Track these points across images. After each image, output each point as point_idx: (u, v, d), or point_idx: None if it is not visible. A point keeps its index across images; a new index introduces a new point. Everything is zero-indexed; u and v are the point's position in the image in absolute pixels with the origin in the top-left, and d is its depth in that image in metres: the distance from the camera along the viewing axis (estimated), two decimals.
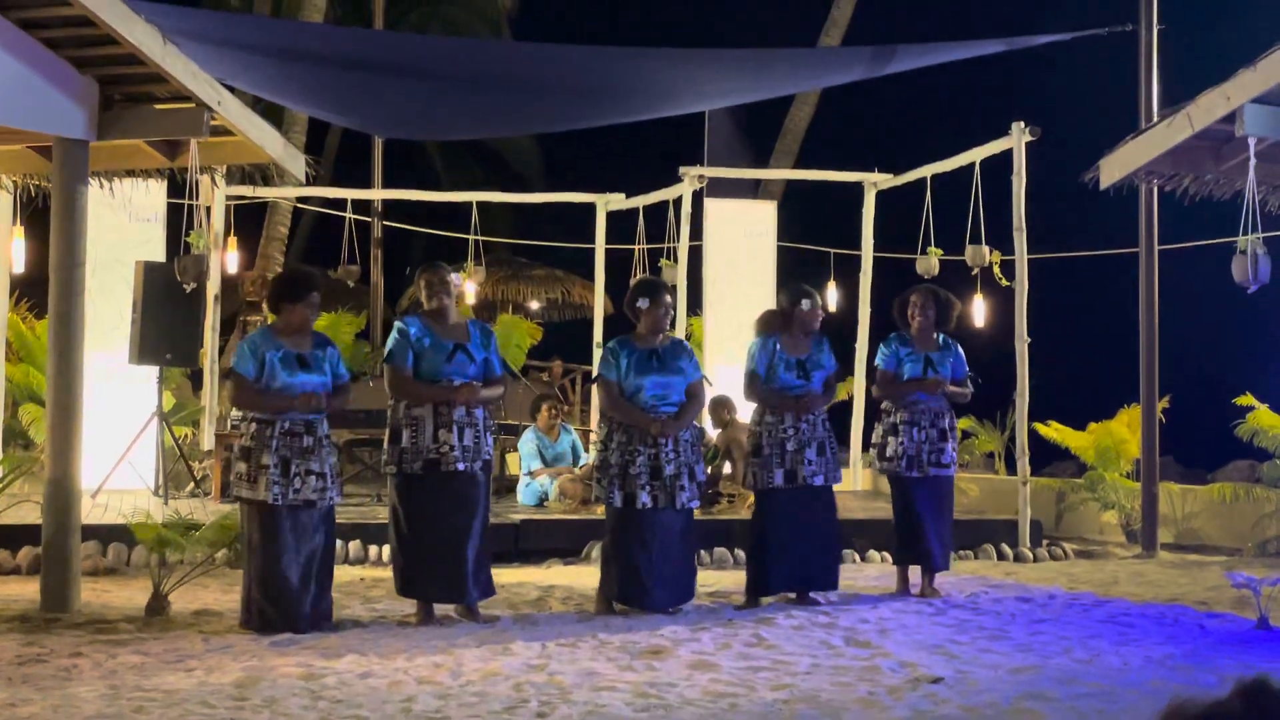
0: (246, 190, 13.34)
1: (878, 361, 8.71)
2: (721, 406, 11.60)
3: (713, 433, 11.79)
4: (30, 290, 13.22)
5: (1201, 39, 15.32)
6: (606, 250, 15.76)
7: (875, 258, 14.38)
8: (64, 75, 7.46)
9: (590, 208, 15.62)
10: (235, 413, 11.91)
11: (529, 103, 12.35)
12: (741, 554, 9.27)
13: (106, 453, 11.12)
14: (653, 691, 5.58)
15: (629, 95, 12.24)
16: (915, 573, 8.58)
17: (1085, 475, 13.12)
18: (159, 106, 7.83)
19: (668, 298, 7.85)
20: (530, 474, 11.61)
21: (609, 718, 5.19)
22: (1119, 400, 13.46)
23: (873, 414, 10.18)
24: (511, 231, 23.10)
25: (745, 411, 9.42)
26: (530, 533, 10.24)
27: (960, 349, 8.73)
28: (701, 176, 13.74)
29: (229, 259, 14.02)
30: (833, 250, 15.82)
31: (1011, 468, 13.66)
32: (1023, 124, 11.36)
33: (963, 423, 15.17)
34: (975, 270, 12.32)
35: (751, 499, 8.35)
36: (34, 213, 10.02)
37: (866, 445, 13.37)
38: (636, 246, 15.34)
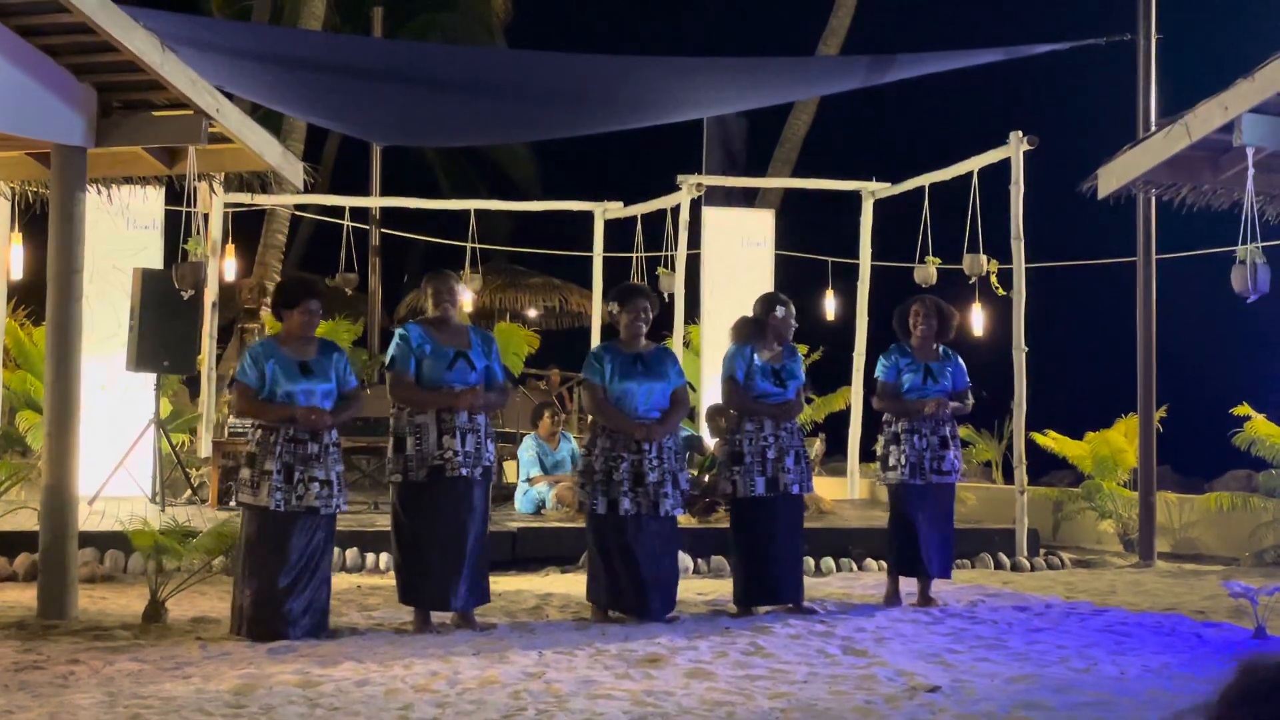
0: (244, 198, 13.34)
1: (878, 374, 8.70)
2: (719, 415, 11.58)
3: (710, 441, 11.79)
4: (28, 297, 13.23)
5: (1199, 49, 15.35)
6: (604, 258, 15.76)
7: (873, 267, 14.39)
8: (62, 82, 7.46)
9: (588, 216, 15.64)
10: (233, 420, 11.94)
11: (527, 110, 12.37)
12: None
13: (104, 460, 11.11)
14: (650, 700, 5.57)
15: (627, 103, 12.25)
16: (910, 582, 8.58)
17: (1083, 484, 13.12)
18: (157, 114, 7.84)
19: (642, 301, 7.82)
20: (529, 480, 11.60)
21: None
22: (1116, 410, 13.46)
23: (870, 424, 10.17)
24: (509, 239, 23.15)
25: None
26: (528, 541, 10.23)
27: (960, 360, 8.72)
28: (699, 185, 13.75)
29: (227, 266, 14.03)
30: (831, 259, 15.84)
31: (1009, 477, 13.65)
32: (1021, 133, 11.37)
33: (960, 432, 15.17)
34: (973, 279, 12.33)
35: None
36: (32, 219, 10.01)
37: (864, 454, 13.38)
38: (634, 255, 15.36)
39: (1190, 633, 7.47)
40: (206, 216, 12.31)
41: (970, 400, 8.70)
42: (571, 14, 29.28)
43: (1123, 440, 12.93)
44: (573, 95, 11.93)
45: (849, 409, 14.44)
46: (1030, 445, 12.03)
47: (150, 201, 11.84)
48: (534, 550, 10.17)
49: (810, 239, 16.41)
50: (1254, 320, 11.39)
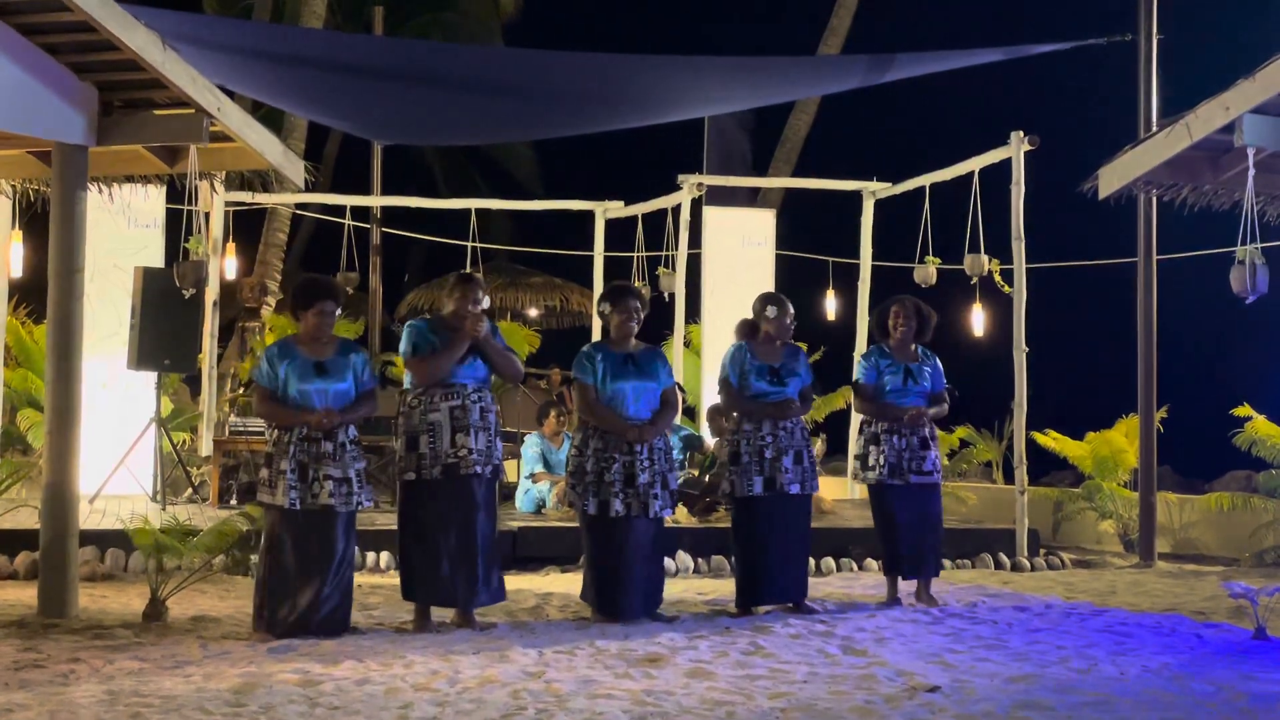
0: (245, 196, 13.34)
1: (857, 375, 8.70)
2: (720, 415, 11.60)
3: (710, 441, 11.80)
4: (29, 295, 13.23)
5: (1200, 49, 15.34)
6: (605, 258, 15.76)
7: (874, 266, 14.39)
8: (64, 81, 7.46)
9: (589, 215, 15.64)
10: (233, 419, 11.96)
11: (528, 108, 12.37)
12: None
13: (104, 458, 11.11)
14: (650, 700, 5.58)
15: (628, 101, 12.25)
16: (911, 582, 8.58)
17: (1083, 485, 13.13)
18: (159, 112, 7.83)
19: (632, 301, 7.81)
20: (531, 478, 11.61)
21: None
22: (1117, 410, 13.47)
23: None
24: (510, 238, 23.16)
25: None
26: (528, 540, 10.23)
27: (938, 361, 8.72)
28: (700, 184, 13.76)
29: (228, 265, 14.03)
30: (831, 259, 15.83)
31: (1009, 477, 13.66)
32: (1021, 133, 11.37)
33: (960, 431, 15.21)
34: (974, 279, 12.33)
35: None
36: (33, 218, 10.02)
37: None
38: (635, 254, 15.36)
39: (1190, 633, 7.47)
40: (207, 215, 12.32)
41: (947, 402, 8.70)
42: (572, 14, 29.29)
43: (1123, 440, 12.93)
44: (574, 94, 11.93)
45: (849, 409, 14.43)
46: (1031, 445, 12.02)
47: (151, 200, 11.85)
48: (534, 549, 10.17)
49: (811, 239, 16.41)
50: (1255, 321, 11.39)
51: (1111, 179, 7.92)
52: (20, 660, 6.19)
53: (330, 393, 7.09)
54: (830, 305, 15.36)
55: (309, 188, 9.85)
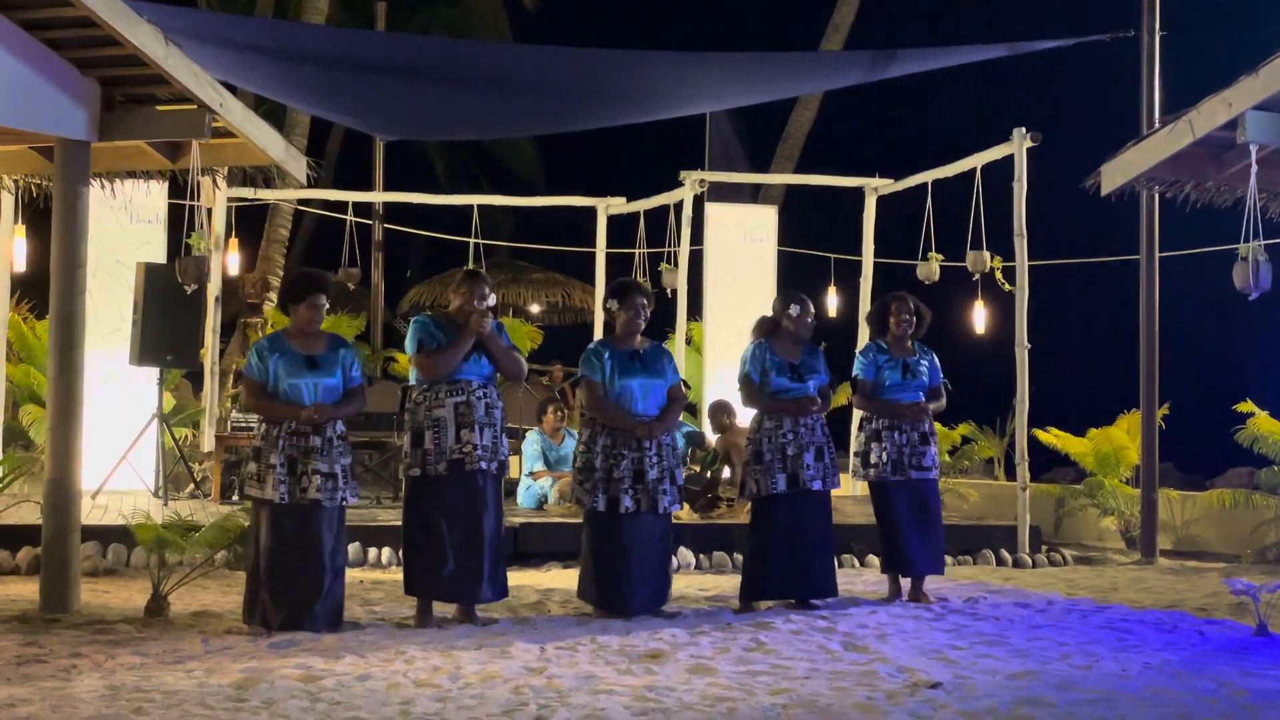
0: (248, 192, 13.34)
1: (856, 371, 8.69)
2: (721, 411, 11.62)
3: (712, 437, 11.80)
4: (31, 290, 13.24)
5: (1203, 45, 15.33)
6: (607, 254, 15.76)
7: (876, 263, 14.38)
8: (66, 76, 7.46)
9: (591, 211, 15.63)
10: (236, 414, 11.96)
11: (530, 104, 12.36)
12: (740, 559, 9.25)
13: (106, 454, 11.12)
14: (651, 695, 5.58)
15: (630, 97, 12.25)
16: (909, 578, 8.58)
17: (1085, 481, 13.13)
18: (161, 108, 7.83)
19: (640, 298, 7.82)
20: (532, 475, 11.62)
21: None
22: (1119, 406, 13.47)
23: None
24: (512, 235, 23.14)
25: (745, 416, 9.42)
26: (530, 536, 10.24)
27: (935, 356, 8.73)
28: (702, 181, 13.75)
29: (230, 261, 14.04)
30: (833, 255, 15.84)
31: (1011, 473, 13.65)
32: (1024, 130, 11.37)
33: (962, 428, 15.20)
34: (976, 276, 12.33)
35: (749, 504, 8.34)
36: (35, 213, 10.03)
37: None
38: (637, 250, 15.36)
39: (1192, 630, 7.47)
40: (210, 211, 12.33)
41: (943, 397, 8.72)
42: (576, 11, 29.28)
43: (1125, 437, 12.93)
44: (576, 90, 11.92)
45: (850, 405, 14.42)
46: (1032, 442, 12.03)
47: (153, 196, 11.84)
48: (536, 545, 10.18)
49: (813, 235, 16.41)
50: (1257, 317, 11.40)
51: (1114, 175, 7.92)
52: (22, 655, 6.20)
53: (321, 387, 7.09)
54: (832, 302, 15.36)
55: (311, 183, 9.87)
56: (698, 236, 13.98)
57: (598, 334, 15.90)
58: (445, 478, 7.24)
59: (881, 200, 14.33)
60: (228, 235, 13.72)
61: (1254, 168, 7.15)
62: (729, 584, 8.90)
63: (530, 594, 8.46)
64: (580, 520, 7.89)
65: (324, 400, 7.08)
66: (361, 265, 16.46)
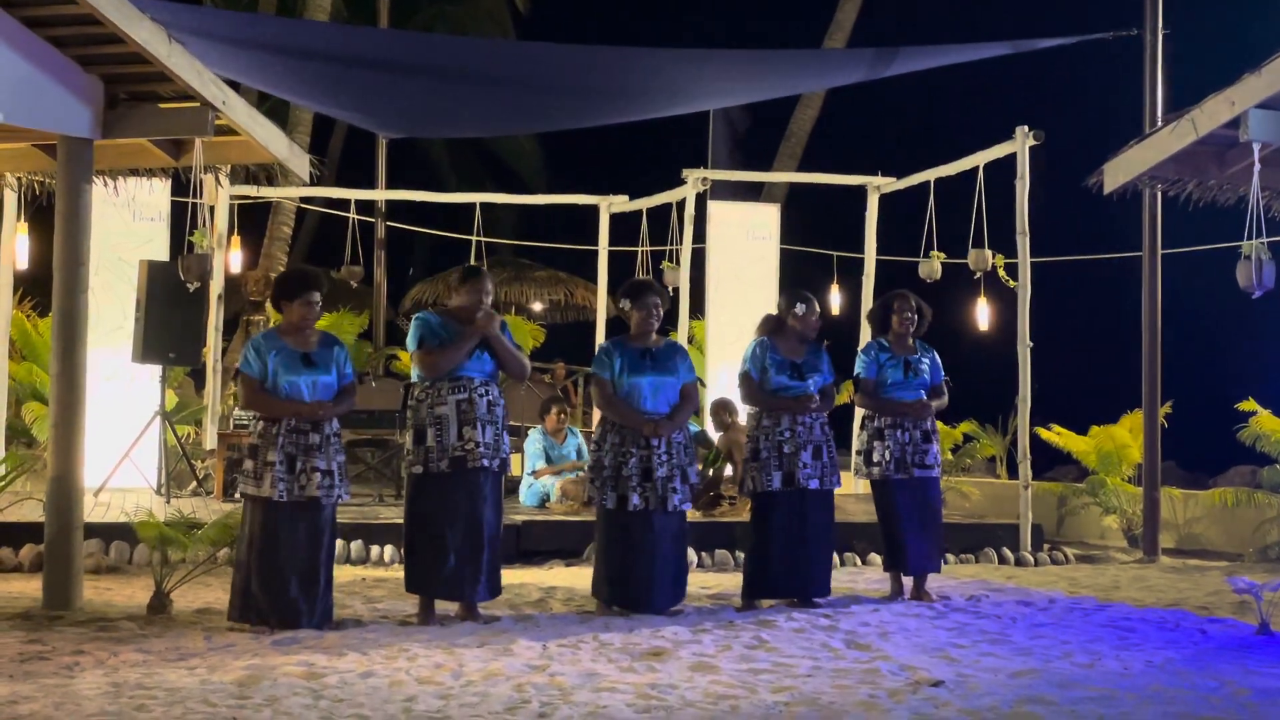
0: (250, 190, 13.34)
1: (858, 370, 8.68)
2: (723, 409, 11.62)
3: (715, 435, 11.80)
4: (34, 288, 13.25)
5: (1206, 44, 15.32)
6: (609, 252, 15.76)
7: (878, 261, 14.38)
8: (69, 74, 7.47)
9: (593, 209, 15.63)
10: (238, 412, 11.96)
11: (533, 102, 12.36)
12: (742, 557, 9.26)
13: (109, 451, 11.12)
14: (654, 693, 5.59)
15: (633, 95, 12.25)
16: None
17: (1087, 480, 13.13)
18: (164, 106, 7.83)
19: (653, 298, 7.82)
20: (534, 474, 11.62)
21: (610, 719, 5.20)
22: (1121, 405, 13.47)
23: None
24: (515, 233, 23.16)
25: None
26: (532, 534, 10.24)
27: (936, 354, 8.73)
28: (705, 179, 13.75)
29: (232, 259, 14.04)
30: (836, 253, 15.84)
31: (1013, 472, 13.67)
32: (1026, 128, 11.36)
33: (964, 426, 15.20)
34: (978, 274, 12.33)
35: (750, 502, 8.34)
36: (38, 211, 10.03)
37: None
38: (639, 249, 15.36)
39: (1194, 628, 7.47)
40: (212, 209, 12.34)
41: (945, 394, 8.72)
42: (579, 9, 29.29)
43: (1127, 435, 12.93)
44: (579, 87, 11.93)
45: (852, 403, 14.42)
46: (1035, 440, 12.03)
47: (156, 193, 11.84)
48: (538, 543, 10.19)
49: (815, 233, 16.41)
50: (1259, 316, 11.39)
51: (1116, 174, 7.92)
52: (25, 652, 6.21)
53: (319, 384, 7.10)
54: (834, 300, 15.35)
55: (314, 181, 9.84)
56: (700, 234, 13.97)
57: (600, 332, 15.91)
58: (447, 475, 7.24)
59: (884, 198, 14.33)
60: (230, 233, 13.72)
61: (1257, 166, 7.15)
62: (731, 582, 8.91)
63: (533, 592, 8.47)
64: (582, 518, 7.90)
65: (322, 397, 7.09)
66: (364, 263, 16.48)
